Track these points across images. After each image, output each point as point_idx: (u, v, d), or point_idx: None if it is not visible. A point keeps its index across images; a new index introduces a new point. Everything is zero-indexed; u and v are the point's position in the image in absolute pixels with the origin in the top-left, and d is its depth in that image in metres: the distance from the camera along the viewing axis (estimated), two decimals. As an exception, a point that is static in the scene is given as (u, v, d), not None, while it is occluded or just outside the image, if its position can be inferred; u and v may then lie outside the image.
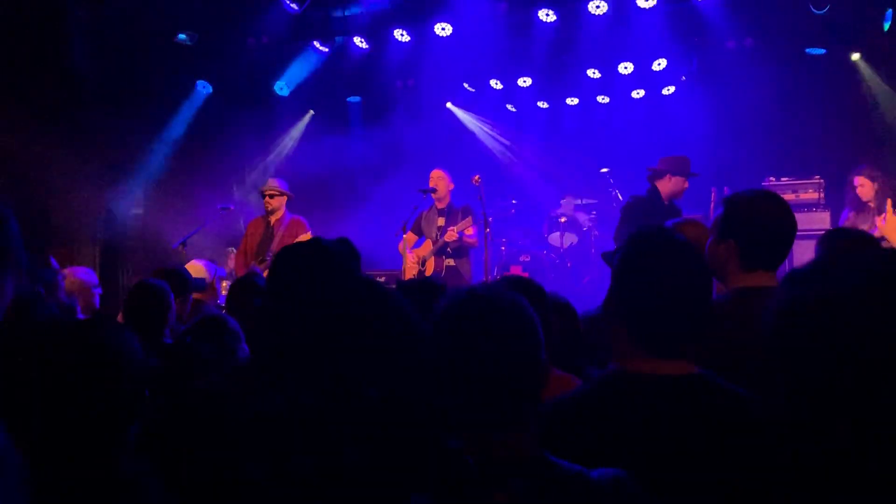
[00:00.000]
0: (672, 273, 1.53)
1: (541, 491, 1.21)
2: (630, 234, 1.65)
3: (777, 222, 2.13)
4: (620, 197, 8.11)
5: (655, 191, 5.74)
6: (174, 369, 2.29)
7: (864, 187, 5.89)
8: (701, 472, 1.41)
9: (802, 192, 7.28)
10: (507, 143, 10.39)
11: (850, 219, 6.00)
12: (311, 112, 9.76)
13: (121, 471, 1.57)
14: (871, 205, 5.86)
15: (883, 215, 5.43)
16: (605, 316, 1.64)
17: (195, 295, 4.05)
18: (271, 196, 6.51)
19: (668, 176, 5.70)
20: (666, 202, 5.71)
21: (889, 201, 5.47)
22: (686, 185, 5.74)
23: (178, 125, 8.08)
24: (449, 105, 10.18)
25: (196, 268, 4.23)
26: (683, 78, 9.09)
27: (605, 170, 8.27)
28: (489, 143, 10.38)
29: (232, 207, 6.78)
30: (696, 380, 1.53)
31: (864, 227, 5.56)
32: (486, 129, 10.34)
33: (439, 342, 1.30)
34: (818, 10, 6.84)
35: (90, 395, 1.57)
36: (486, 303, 1.31)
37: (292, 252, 1.76)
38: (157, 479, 1.60)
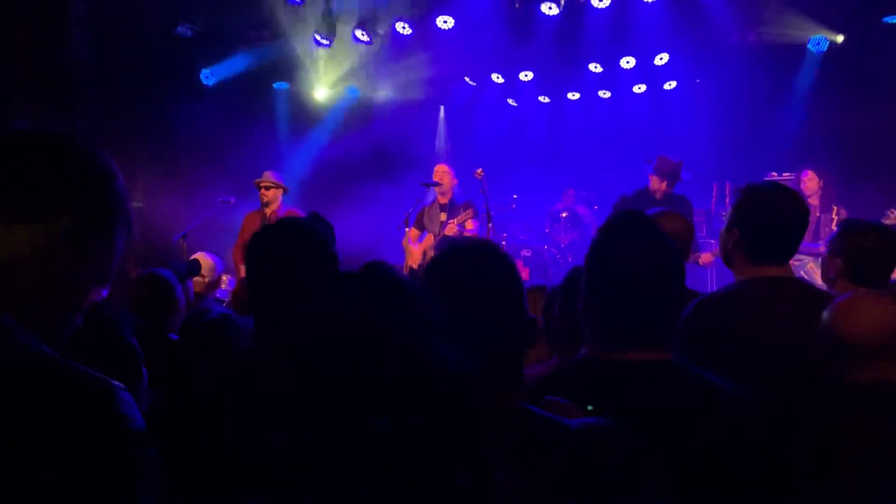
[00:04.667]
0: (635, 262, 1.51)
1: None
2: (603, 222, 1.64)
3: (783, 215, 2.09)
4: None
5: (646, 187, 5.90)
6: (175, 362, 2.28)
7: (812, 181, 6.65)
8: (665, 455, 1.40)
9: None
10: (508, 136, 10.38)
11: None
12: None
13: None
14: (812, 202, 6.53)
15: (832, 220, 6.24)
16: (580, 303, 1.63)
17: (198, 289, 4.02)
18: (267, 188, 6.52)
19: (649, 175, 5.91)
20: (658, 197, 5.81)
21: (835, 209, 6.23)
22: (660, 184, 5.87)
23: (179, 117, 8.04)
24: (441, 110, 10.20)
25: (205, 261, 4.20)
26: (698, 81, 9.05)
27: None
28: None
29: (232, 200, 6.76)
30: (663, 366, 1.51)
31: None
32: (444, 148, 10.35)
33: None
34: None
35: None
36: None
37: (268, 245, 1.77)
38: (165, 466, 1.59)
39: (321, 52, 8.64)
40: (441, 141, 10.31)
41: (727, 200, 7.10)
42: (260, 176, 6.67)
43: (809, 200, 6.53)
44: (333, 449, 1.10)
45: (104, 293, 4.15)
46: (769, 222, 2.09)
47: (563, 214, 8.91)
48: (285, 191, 6.64)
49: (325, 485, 1.16)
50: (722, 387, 1.52)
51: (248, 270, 1.81)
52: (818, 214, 6.54)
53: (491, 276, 1.36)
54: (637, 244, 1.53)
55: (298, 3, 7.33)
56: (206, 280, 4.16)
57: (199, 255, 4.25)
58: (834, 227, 5.97)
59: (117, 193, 1.13)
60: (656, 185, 5.85)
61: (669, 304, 1.56)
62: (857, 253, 2.42)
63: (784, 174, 7.61)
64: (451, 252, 1.46)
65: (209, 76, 8.41)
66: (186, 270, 3.54)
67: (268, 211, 6.56)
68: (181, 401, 1.70)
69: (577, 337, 1.87)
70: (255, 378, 1.63)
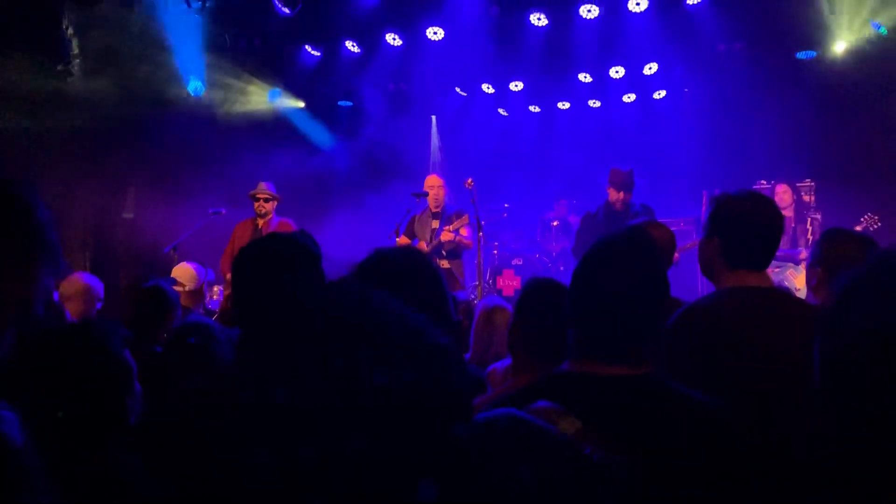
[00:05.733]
0: (615, 278, 1.52)
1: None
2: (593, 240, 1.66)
3: (762, 222, 2.12)
4: None
5: (606, 200, 6.16)
6: (164, 371, 2.29)
7: (786, 194, 6.94)
8: (638, 468, 1.41)
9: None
10: (499, 145, 10.42)
11: None
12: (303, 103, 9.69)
13: (112, 469, 1.57)
14: (788, 214, 6.80)
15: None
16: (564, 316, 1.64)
17: (181, 300, 4.01)
18: (266, 200, 6.55)
19: (607, 188, 6.14)
20: (619, 207, 6.05)
21: (809, 221, 6.49)
22: (617, 195, 6.05)
23: (171, 128, 8.05)
24: (433, 119, 10.24)
25: (185, 270, 4.19)
26: (686, 90, 9.12)
27: None
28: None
29: (223, 211, 6.76)
30: (641, 380, 1.52)
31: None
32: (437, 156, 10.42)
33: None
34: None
35: (78, 397, 1.58)
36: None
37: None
38: (150, 478, 1.60)
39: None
40: (435, 151, 10.36)
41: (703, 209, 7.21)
42: (254, 187, 6.69)
43: (784, 213, 6.72)
44: (318, 467, 1.11)
45: (98, 305, 4.15)
46: (747, 229, 2.11)
47: (555, 223, 8.95)
48: (279, 201, 6.67)
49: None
50: (698, 401, 1.53)
51: (233, 285, 1.83)
52: (793, 225, 6.81)
53: (416, 281, 1.42)
54: (623, 262, 1.54)
55: (288, 15, 7.36)
56: (187, 289, 4.14)
57: (180, 266, 4.24)
58: (809, 237, 6.16)
59: (37, 227, 1.09)
60: (614, 196, 6.04)
61: (653, 321, 1.57)
62: (837, 261, 2.45)
63: (761, 182, 7.72)
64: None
65: (198, 87, 8.44)
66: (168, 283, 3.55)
67: (261, 221, 6.58)
68: (163, 415, 1.72)
69: (543, 351, 1.90)
70: (237, 393, 1.65)
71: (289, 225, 6.62)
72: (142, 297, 3.12)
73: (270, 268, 1.80)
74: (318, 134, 9.48)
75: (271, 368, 1.56)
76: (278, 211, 6.73)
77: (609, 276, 1.53)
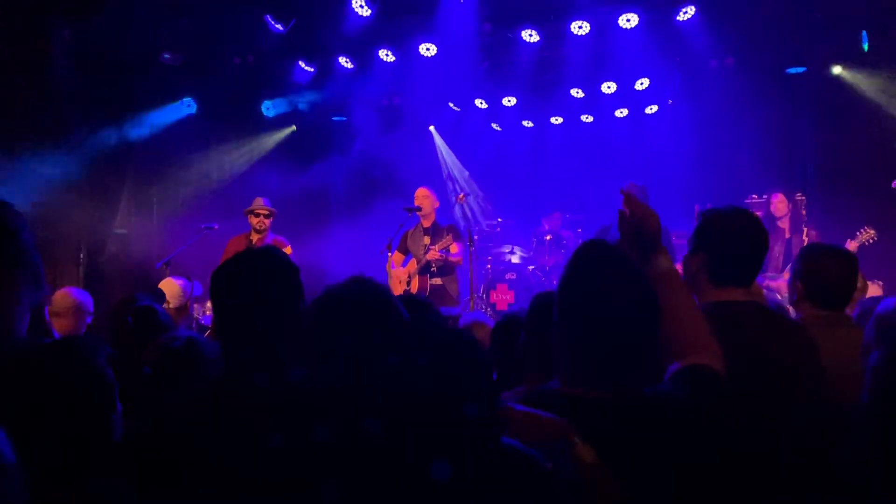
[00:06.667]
0: (605, 299, 1.47)
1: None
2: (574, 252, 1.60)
3: (746, 238, 2.12)
4: None
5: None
6: (151, 390, 2.28)
7: (782, 203, 6.90)
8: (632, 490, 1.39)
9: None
10: (491, 160, 10.47)
11: None
12: (293, 127, 9.73)
13: (97, 491, 1.56)
14: (782, 225, 6.83)
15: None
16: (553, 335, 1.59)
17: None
18: (266, 216, 6.58)
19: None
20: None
21: (805, 231, 6.48)
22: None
23: (163, 144, 8.06)
24: (431, 129, 10.28)
25: (171, 286, 4.18)
26: (670, 101, 9.19)
27: None
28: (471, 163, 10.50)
29: (215, 226, 6.76)
30: (633, 401, 1.48)
31: (776, 246, 6.70)
32: (454, 161, 10.47)
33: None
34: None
35: (62, 417, 1.57)
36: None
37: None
38: (133, 498, 1.59)
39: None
40: (444, 157, 10.40)
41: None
42: (249, 203, 6.71)
43: (780, 223, 6.84)
44: (333, 448, 1.12)
45: (88, 320, 4.14)
46: (732, 245, 2.10)
47: (548, 237, 8.97)
48: (274, 216, 6.71)
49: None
50: (682, 417, 1.50)
51: (213, 301, 1.83)
52: (788, 236, 6.78)
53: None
54: (608, 279, 1.49)
55: (281, 32, 7.40)
56: (172, 306, 4.13)
57: (166, 282, 4.23)
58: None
59: (21, 249, 1.09)
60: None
61: (642, 341, 1.51)
62: (817, 276, 2.46)
63: (765, 196, 7.72)
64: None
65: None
66: (152, 300, 3.53)
67: (255, 237, 6.58)
68: (148, 431, 1.71)
69: (548, 367, 1.86)
70: (220, 408, 1.64)
71: (282, 242, 6.62)
72: (133, 318, 3.08)
73: (252, 279, 1.81)
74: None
75: (288, 352, 1.60)
76: (272, 227, 6.74)
77: (598, 294, 1.47)
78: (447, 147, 10.47)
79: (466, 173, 10.46)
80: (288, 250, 6.30)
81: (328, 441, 1.15)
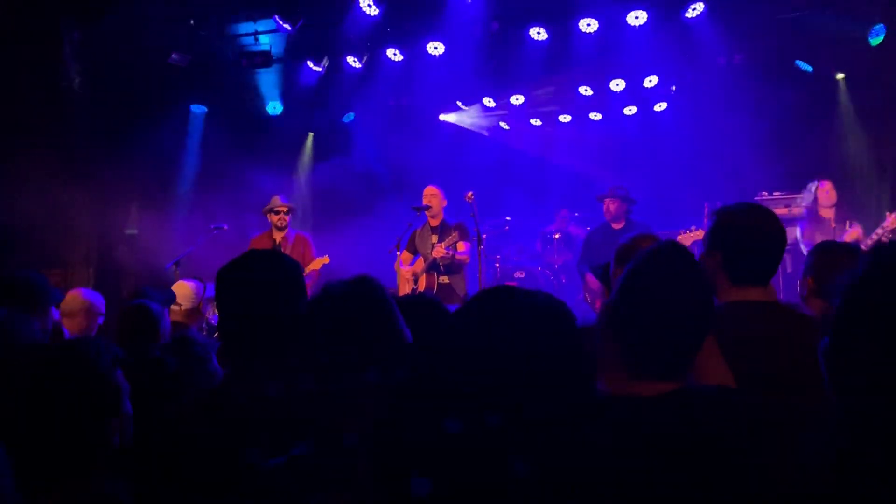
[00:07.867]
0: (672, 294, 1.49)
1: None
2: (643, 251, 1.61)
3: (763, 235, 2.10)
4: None
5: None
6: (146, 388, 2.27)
7: (831, 193, 6.42)
8: (682, 489, 1.37)
9: (794, 207, 7.29)
10: (500, 159, 10.43)
11: (807, 231, 6.36)
12: (312, 134, 9.78)
13: (97, 490, 1.56)
14: (829, 214, 6.40)
15: (848, 232, 6.06)
16: (601, 330, 1.59)
17: (177, 318, 3.97)
18: (286, 213, 6.63)
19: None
20: (614, 226, 6.77)
21: (848, 223, 6.16)
22: (610, 206, 6.86)
23: (172, 145, 8.09)
24: (442, 116, 10.23)
25: (183, 288, 4.16)
26: (674, 88, 9.13)
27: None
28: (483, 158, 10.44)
29: (225, 227, 6.78)
30: (675, 396, 1.47)
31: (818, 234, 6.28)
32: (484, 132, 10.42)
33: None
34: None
35: (65, 417, 1.57)
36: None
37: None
38: (132, 499, 1.59)
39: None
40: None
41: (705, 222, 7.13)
42: (267, 202, 6.74)
43: (825, 212, 6.45)
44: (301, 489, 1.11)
45: (99, 320, 4.15)
46: (748, 243, 2.09)
47: (556, 236, 8.94)
48: (294, 212, 6.78)
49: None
50: (732, 399, 1.51)
51: (217, 303, 1.82)
52: (833, 226, 6.37)
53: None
54: (675, 276, 1.52)
55: (290, 31, 7.40)
56: (183, 308, 4.10)
57: (179, 284, 4.22)
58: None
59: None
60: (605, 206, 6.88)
61: (699, 336, 1.53)
62: (827, 272, 2.44)
63: (775, 193, 7.66)
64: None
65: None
66: (163, 300, 3.53)
67: (278, 235, 6.61)
68: (152, 434, 1.70)
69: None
70: (224, 413, 1.63)
71: (305, 239, 6.65)
72: (125, 317, 3.06)
73: (251, 287, 1.80)
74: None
75: (252, 390, 1.57)
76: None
77: (666, 290, 1.50)
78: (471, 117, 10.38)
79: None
80: (320, 261, 6.52)
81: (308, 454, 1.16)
